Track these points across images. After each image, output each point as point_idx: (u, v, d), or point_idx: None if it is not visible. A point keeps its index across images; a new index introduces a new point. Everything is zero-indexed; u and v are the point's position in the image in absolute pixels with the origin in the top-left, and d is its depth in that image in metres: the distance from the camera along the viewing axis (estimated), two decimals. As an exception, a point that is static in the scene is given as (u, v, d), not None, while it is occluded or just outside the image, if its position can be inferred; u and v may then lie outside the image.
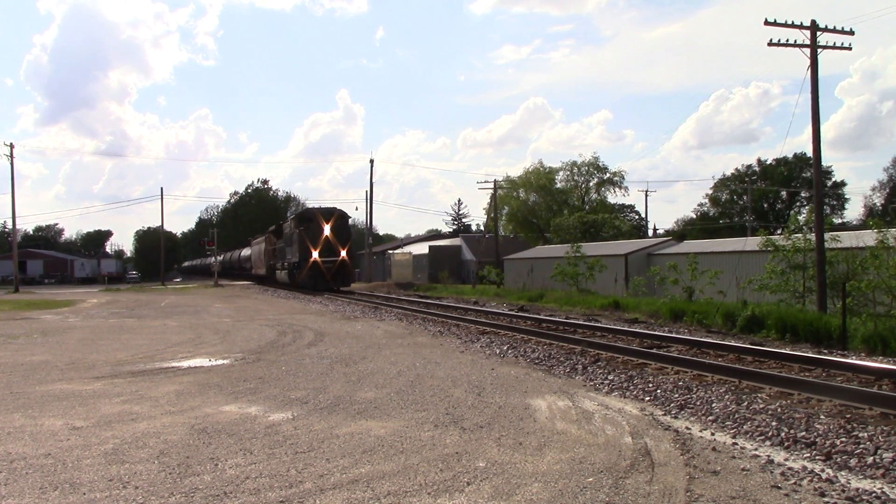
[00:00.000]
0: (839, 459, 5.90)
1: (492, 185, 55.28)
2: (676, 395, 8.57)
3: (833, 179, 73.79)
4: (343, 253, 38.53)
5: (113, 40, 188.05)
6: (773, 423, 7.01)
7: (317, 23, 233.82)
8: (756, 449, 6.31)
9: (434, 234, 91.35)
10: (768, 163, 77.70)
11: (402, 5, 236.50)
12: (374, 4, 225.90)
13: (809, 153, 22.59)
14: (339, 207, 41.63)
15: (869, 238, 20.02)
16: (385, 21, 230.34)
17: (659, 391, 8.86)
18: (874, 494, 5.07)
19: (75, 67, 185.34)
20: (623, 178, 65.66)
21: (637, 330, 15.95)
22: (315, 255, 37.89)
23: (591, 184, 66.12)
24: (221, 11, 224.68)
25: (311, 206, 60.55)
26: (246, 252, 68.76)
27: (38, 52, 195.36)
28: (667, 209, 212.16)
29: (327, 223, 38.51)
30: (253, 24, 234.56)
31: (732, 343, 13.22)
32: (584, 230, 50.72)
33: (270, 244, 52.18)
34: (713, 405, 7.95)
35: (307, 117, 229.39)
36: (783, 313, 16.41)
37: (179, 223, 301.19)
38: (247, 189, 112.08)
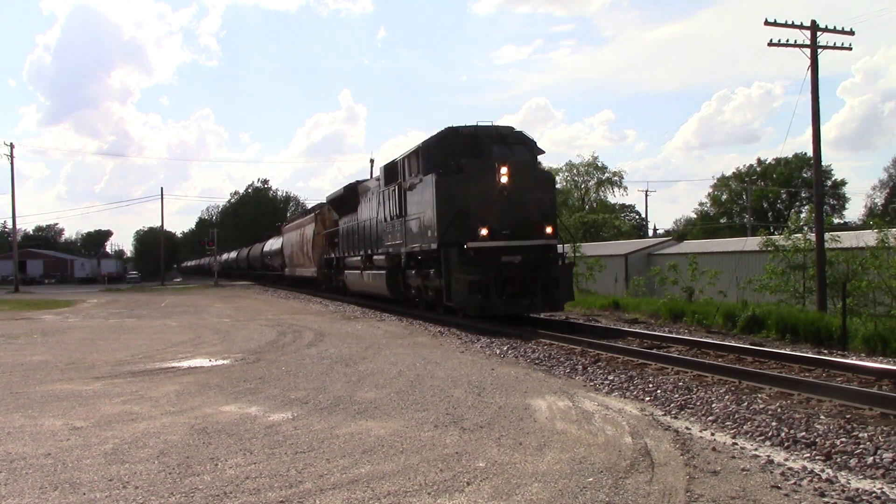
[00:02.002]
0: (839, 459, 5.89)
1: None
2: (676, 396, 8.56)
3: (833, 179, 73.78)
4: (549, 230, 16.90)
5: (115, 41, 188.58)
6: (773, 424, 7.01)
7: (320, 23, 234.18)
8: (756, 449, 6.31)
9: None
10: (768, 162, 77.70)
11: (406, 6, 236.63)
12: (378, 5, 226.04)
13: (810, 153, 22.58)
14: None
15: (869, 238, 20.03)
16: (387, 21, 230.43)
17: (659, 391, 8.85)
18: (874, 494, 5.07)
19: (78, 68, 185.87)
20: (622, 178, 65.66)
21: (637, 330, 15.94)
22: (483, 233, 16.39)
23: (590, 184, 66.12)
24: (224, 12, 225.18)
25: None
26: (273, 244, 49.48)
27: (40, 52, 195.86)
28: (667, 209, 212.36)
29: (504, 164, 16.61)
30: (255, 24, 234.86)
31: (732, 343, 13.22)
32: (584, 230, 50.73)
33: (325, 225, 32.25)
34: (713, 405, 7.94)
35: (309, 117, 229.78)
36: (783, 313, 16.41)
37: (181, 223, 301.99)
38: (247, 189, 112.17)
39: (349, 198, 26.93)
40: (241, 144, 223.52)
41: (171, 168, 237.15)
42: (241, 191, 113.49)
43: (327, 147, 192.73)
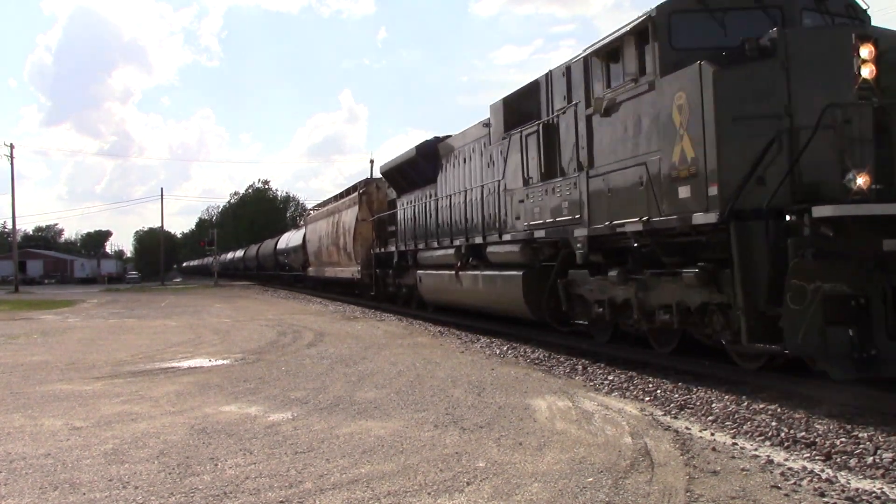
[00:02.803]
0: (839, 459, 5.88)
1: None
2: (676, 395, 8.56)
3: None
4: None
5: (117, 41, 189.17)
6: (773, 423, 7.00)
7: (321, 24, 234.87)
8: (756, 449, 6.30)
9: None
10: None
11: (407, 6, 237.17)
12: (379, 5, 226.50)
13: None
14: None
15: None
16: (388, 22, 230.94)
17: (659, 391, 8.84)
18: (874, 494, 5.06)
19: (79, 68, 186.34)
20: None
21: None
22: (860, 184, 6.66)
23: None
24: (225, 12, 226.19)
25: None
26: (291, 239, 41.56)
27: (41, 52, 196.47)
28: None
29: (868, 40, 6.93)
30: (257, 25, 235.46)
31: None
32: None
33: (374, 208, 24.60)
34: (713, 405, 7.93)
35: (310, 118, 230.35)
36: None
37: (181, 223, 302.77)
38: (247, 189, 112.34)
39: (422, 164, 18.35)
40: (241, 145, 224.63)
41: (172, 168, 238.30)
42: (242, 191, 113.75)
43: (328, 147, 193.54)
